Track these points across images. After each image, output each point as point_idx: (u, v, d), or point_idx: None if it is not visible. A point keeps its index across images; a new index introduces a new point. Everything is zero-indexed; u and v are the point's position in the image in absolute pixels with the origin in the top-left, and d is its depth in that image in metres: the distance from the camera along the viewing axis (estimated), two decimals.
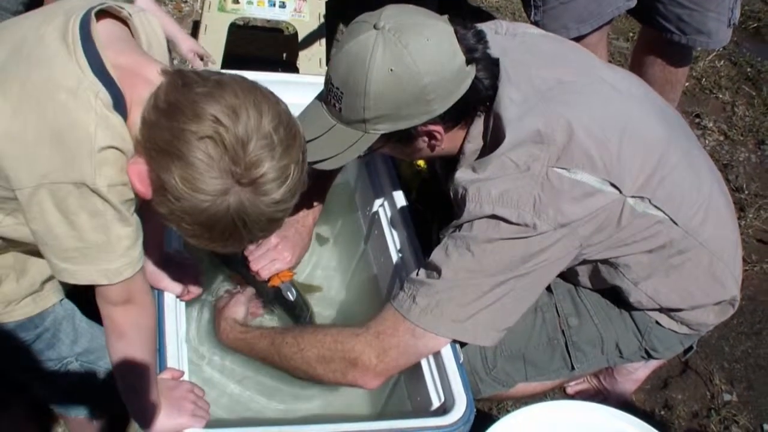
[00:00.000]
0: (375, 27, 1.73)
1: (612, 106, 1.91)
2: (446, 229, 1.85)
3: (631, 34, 4.19)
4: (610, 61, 3.45)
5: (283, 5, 3.20)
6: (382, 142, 1.85)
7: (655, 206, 1.84)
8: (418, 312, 1.80)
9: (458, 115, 1.84)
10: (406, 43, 1.72)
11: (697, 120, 3.75)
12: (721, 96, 3.95)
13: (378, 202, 2.33)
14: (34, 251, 1.51)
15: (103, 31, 1.43)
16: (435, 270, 1.81)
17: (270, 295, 2.22)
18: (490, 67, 1.84)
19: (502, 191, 1.74)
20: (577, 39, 2.69)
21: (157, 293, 1.87)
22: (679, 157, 1.92)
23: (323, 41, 3.24)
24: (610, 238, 1.85)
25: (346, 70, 1.76)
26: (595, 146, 1.77)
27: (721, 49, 4.10)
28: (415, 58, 1.72)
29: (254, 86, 1.40)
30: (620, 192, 1.79)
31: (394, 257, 2.20)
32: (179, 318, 1.88)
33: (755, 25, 4.51)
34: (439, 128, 1.83)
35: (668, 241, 1.90)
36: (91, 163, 1.34)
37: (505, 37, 2.03)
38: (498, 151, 1.78)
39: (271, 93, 1.43)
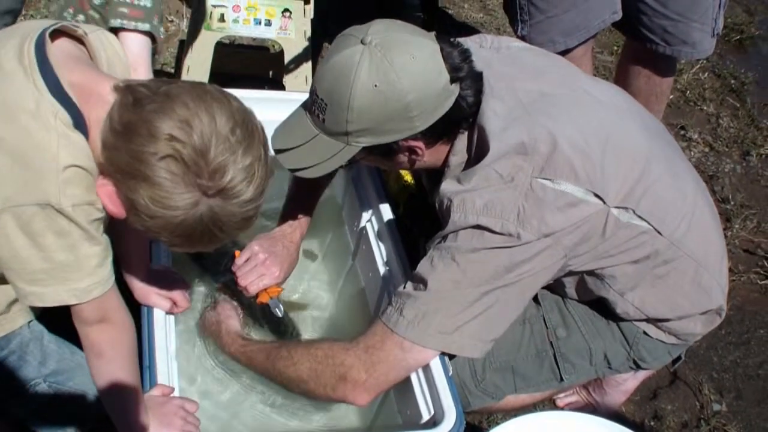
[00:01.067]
0: (362, 42, 1.74)
1: (595, 117, 1.92)
2: (431, 240, 1.86)
3: (615, 48, 4.20)
4: (594, 75, 3.47)
5: (268, 23, 3.20)
6: (364, 154, 1.86)
7: (640, 217, 1.85)
8: (405, 324, 1.81)
9: (440, 133, 1.85)
10: (392, 59, 1.72)
11: (682, 132, 3.77)
12: (705, 108, 3.97)
13: (365, 217, 2.34)
14: None
15: (57, 50, 1.43)
16: (421, 282, 1.82)
17: (257, 311, 2.21)
18: (475, 84, 1.84)
19: (487, 201, 1.74)
20: (563, 53, 2.70)
21: (146, 310, 1.87)
22: (662, 167, 1.93)
23: (309, 59, 3.25)
24: (595, 249, 1.85)
25: (331, 82, 1.77)
26: (578, 157, 1.78)
27: (705, 62, 4.14)
28: (400, 75, 1.72)
29: (204, 91, 1.40)
30: (604, 202, 1.80)
31: (382, 272, 2.20)
32: (169, 334, 1.88)
33: (738, 37, 4.54)
34: (420, 144, 1.84)
35: (653, 251, 1.91)
36: (56, 183, 1.34)
37: (489, 50, 2.05)
38: (483, 163, 1.79)
39: (222, 93, 1.42)
